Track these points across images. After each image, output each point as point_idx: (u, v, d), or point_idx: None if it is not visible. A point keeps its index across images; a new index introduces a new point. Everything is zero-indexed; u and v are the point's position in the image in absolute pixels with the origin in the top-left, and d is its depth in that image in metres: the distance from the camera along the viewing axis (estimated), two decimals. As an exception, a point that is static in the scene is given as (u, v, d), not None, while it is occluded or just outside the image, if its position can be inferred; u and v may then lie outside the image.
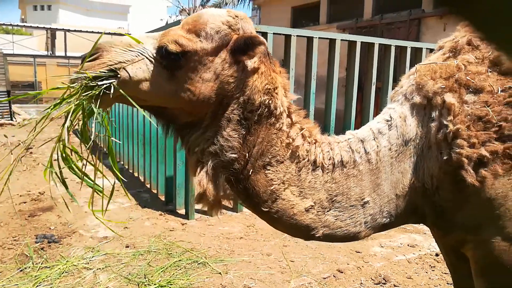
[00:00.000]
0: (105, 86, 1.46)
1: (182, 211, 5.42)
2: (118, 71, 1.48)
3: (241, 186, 1.64)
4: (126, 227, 4.86)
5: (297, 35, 5.21)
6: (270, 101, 1.59)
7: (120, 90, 1.49)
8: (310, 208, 1.67)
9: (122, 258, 3.99)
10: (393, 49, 6.16)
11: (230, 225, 5.05)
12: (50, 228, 4.78)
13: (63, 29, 27.26)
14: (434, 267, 4.02)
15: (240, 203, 1.77)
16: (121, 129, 8.16)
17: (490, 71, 1.65)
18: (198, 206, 5.51)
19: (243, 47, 1.52)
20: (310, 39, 5.41)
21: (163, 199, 5.92)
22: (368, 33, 11.41)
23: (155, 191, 6.31)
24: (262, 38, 1.54)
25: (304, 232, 1.71)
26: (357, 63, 5.87)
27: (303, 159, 1.66)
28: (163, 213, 5.37)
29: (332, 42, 5.67)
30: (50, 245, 4.27)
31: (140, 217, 5.22)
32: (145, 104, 1.63)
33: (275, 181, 1.64)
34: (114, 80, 1.48)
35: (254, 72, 1.57)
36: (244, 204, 1.78)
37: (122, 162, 8.35)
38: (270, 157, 1.63)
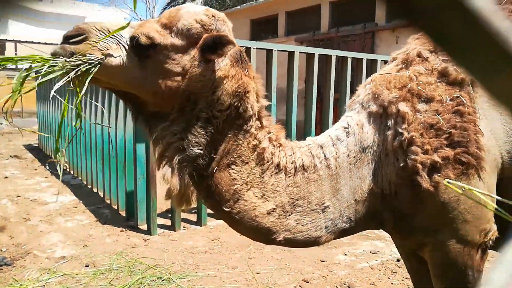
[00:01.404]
0: (92, 70, 1.50)
1: (144, 227, 5.27)
2: (101, 61, 1.51)
3: (204, 183, 1.65)
4: (86, 245, 4.67)
5: (256, 48, 5.28)
6: (240, 104, 1.61)
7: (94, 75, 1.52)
8: (272, 211, 1.68)
9: (82, 279, 3.82)
10: (349, 61, 6.37)
11: (194, 239, 4.97)
12: (1, 250, 4.50)
13: (13, 40, 26.11)
14: (396, 272, 4.14)
15: (201, 201, 1.76)
16: (79, 143, 7.87)
17: (439, 82, 1.75)
18: (160, 221, 5.40)
19: (211, 45, 1.52)
20: (269, 52, 5.49)
21: (124, 215, 5.75)
22: (325, 45, 11.76)
23: (115, 207, 6.11)
24: (231, 38, 1.54)
25: (265, 235, 1.72)
26: (316, 74, 6.02)
27: (267, 162, 1.68)
28: (124, 229, 5.20)
29: (291, 54, 5.79)
30: (1, 268, 4.01)
31: (101, 234, 5.03)
32: (115, 88, 1.65)
33: (238, 181, 1.65)
34: (99, 65, 1.50)
35: (224, 74, 1.58)
36: (206, 204, 1.77)
37: (80, 178, 8.04)
38: (235, 156, 1.65)
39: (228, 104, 1.59)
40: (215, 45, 1.52)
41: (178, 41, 1.55)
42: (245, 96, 1.63)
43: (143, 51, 1.54)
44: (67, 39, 1.53)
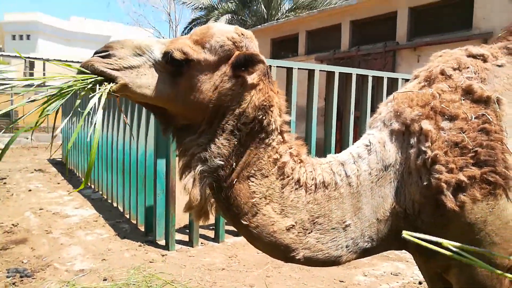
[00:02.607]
0: (110, 87, 1.52)
1: (162, 242, 5.28)
2: (117, 78, 1.54)
3: (223, 194, 1.65)
4: (104, 259, 4.70)
5: (277, 66, 5.32)
6: (264, 117, 1.64)
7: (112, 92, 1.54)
8: (291, 227, 1.66)
9: (99, 292, 3.84)
10: (370, 79, 6.34)
11: (212, 256, 4.95)
12: (23, 262, 4.58)
13: (41, 58, 27.09)
14: (417, 294, 4.01)
15: (220, 214, 1.76)
16: (99, 158, 8.01)
17: (463, 99, 1.72)
18: (178, 237, 5.40)
19: (243, 63, 1.59)
20: (289, 70, 5.53)
21: (143, 230, 5.78)
22: (346, 64, 11.76)
23: (134, 222, 6.16)
24: (262, 57, 1.62)
25: (283, 252, 1.70)
26: (336, 93, 6.01)
27: (288, 177, 1.68)
28: (142, 244, 5.22)
29: (311, 72, 5.81)
30: (22, 280, 4.07)
31: (119, 249, 5.07)
32: (147, 102, 1.67)
33: (257, 194, 1.65)
34: (113, 84, 1.53)
35: (252, 88, 1.63)
36: (225, 216, 1.77)
37: (100, 192, 8.16)
38: (255, 169, 1.65)
39: (253, 117, 1.62)
40: (246, 63, 1.58)
41: (210, 57, 1.60)
42: (269, 109, 1.66)
43: (176, 67, 1.58)
44: (95, 53, 1.58)
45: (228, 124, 1.62)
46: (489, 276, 1.67)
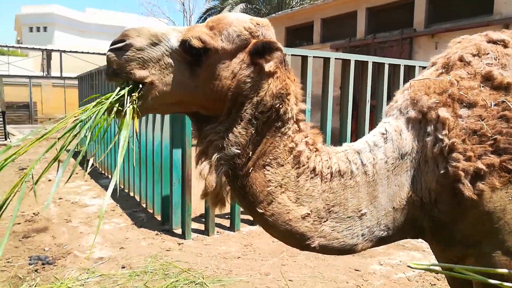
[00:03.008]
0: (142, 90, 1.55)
1: (178, 231, 5.36)
2: (150, 84, 1.56)
3: (239, 183, 1.66)
4: (122, 248, 4.80)
5: (291, 54, 5.28)
6: (281, 106, 1.64)
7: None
8: (307, 216, 1.67)
9: (118, 279, 3.93)
10: (386, 67, 6.24)
11: (227, 244, 5.00)
12: (44, 250, 4.71)
13: (58, 50, 27.45)
14: (435, 285, 3.98)
15: (236, 201, 1.77)
16: (116, 148, 8.12)
17: (482, 86, 1.68)
18: (194, 226, 5.47)
19: (261, 50, 1.59)
20: (304, 58, 5.48)
21: (159, 219, 5.87)
22: (361, 52, 11.59)
23: (151, 211, 6.26)
24: (279, 45, 1.62)
25: (299, 240, 1.70)
26: (351, 81, 5.94)
27: (303, 166, 1.67)
28: (159, 233, 5.31)
29: (326, 61, 5.75)
30: (44, 267, 4.19)
31: (136, 237, 5.16)
32: (164, 102, 1.66)
33: (272, 182, 1.65)
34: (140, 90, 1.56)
35: (270, 76, 1.62)
36: (241, 204, 1.78)
37: (117, 182, 8.29)
38: (271, 158, 1.65)
39: (270, 105, 1.62)
40: (264, 50, 1.59)
41: (228, 45, 1.59)
42: (286, 98, 1.66)
43: (194, 56, 1.57)
44: (113, 45, 1.56)
45: (246, 113, 1.61)
46: (507, 265, 1.64)
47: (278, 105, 1.63)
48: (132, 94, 1.53)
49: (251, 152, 1.63)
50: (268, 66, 1.61)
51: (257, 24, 1.67)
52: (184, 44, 1.56)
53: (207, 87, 1.59)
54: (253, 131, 1.62)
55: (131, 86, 1.55)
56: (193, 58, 1.57)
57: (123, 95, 1.52)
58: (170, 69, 1.57)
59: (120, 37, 1.57)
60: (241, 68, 1.60)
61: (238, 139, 1.61)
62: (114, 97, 1.53)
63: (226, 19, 1.63)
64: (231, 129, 1.62)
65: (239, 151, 1.62)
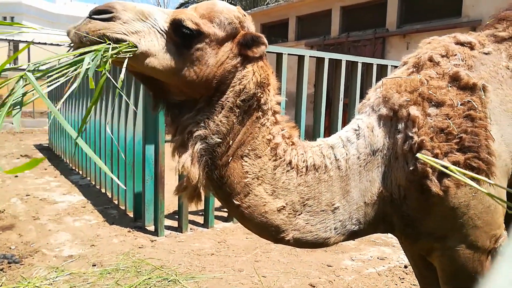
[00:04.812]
0: (127, 54, 1.43)
1: (151, 228, 5.29)
2: (137, 44, 1.47)
3: (217, 173, 1.65)
4: (93, 245, 4.69)
5: (267, 51, 5.29)
6: (262, 95, 1.66)
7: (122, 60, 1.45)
8: (282, 209, 1.68)
9: (89, 278, 3.84)
10: (359, 66, 6.35)
11: (201, 241, 4.98)
12: (10, 248, 4.55)
13: (26, 41, 26.48)
14: (403, 279, 4.10)
15: (212, 193, 1.75)
16: (88, 144, 7.91)
17: (450, 86, 1.74)
18: (167, 223, 5.42)
19: (250, 43, 1.61)
20: (279, 55, 5.51)
21: (132, 216, 5.77)
22: (335, 50, 11.75)
23: (123, 208, 6.15)
24: (266, 40, 1.65)
25: (274, 233, 1.72)
26: (325, 79, 6.01)
27: (280, 158, 1.69)
28: (131, 230, 5.23)
29: (301, 58, 5.79)
30: (10, 266, 4.05)
31: (108, 234, 5.06)
32: (142, 73, 1.61)
33: (249, 174, 1.66)
34: (135, 49, 1.46)
35: (255, 65, 1.65)
36: (216, 196, 1.77)
37: (89, 178, 8.10)
38: (249, 149, 1.66)
39: (253, 93, 1.62)
40: (252, 43, 1.61)
41: (219, 32, 1.58)
42: (267, 88, 1.68)
43: (184, 38, 1.53)
44: (95, 14, 1.46)
45: (228, 101, 1.61)
46: (470, 258, 1.72)
47: (259, 94, 1.65)
48: (112, 51, 1.39)
49: (231, 141, 1.63)
50: (254, 59, 1.65)
51: (244, 15, 1.69)
52: (177, 23, 1.52)
53: (192, 71, 1.56)
54: (234, 120, 1.62)
55: (110, 45, 1.41)
56: (182, 39, 1.54)
57: (112, 53, 1.38)
58: (156, 46, 1.52)
59: (104, 7, 1.48)
60: (228, 57, 1.60)
61: (219, 127, 1.60)
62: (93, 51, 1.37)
63: (216, 7, 1.62)
64: (212, 118, 1.60)
65: (220, 140, 1.61)
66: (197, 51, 1.56)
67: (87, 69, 1.32)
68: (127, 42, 1.45)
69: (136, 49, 1.47)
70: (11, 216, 5.65)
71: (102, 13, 1.47)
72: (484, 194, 1.64)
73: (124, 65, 1.43)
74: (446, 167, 0.97)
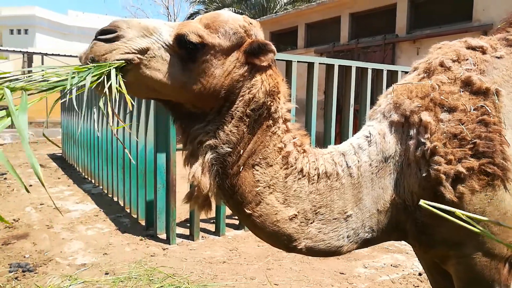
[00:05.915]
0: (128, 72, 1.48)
1: (163, 236, 5.31)
2: (135, 61, 1.49)
3: (228, 183, 1.65)
4: (106, 253, 4.72)
5: (276, 59, 5.30)
6: (272, 104, 1.65)
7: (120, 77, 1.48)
8: (294, 217, 1.67)
9: (102, 286, 3.87)
10: (369, 72, 6.33)
11: (213, 249, 4.97)
12: (24, 257, 4.60)
13: (40, 53, 26.96)
14: (418, 286, 4.03)
15: (223, 202, 1.75)
16: (100, 153, 8.02)
17: (462, 91, 1.72)
18: (179, 231, 5.43)
19: (256, 51, 1.60)
20: (289, 63, 5.51)
21: (144, 224, 5.80)
22: (345, 56, 11.74)
23: (135, 216, 6.18)
24: (273, 47, 1.63)
25: (286, 242, 1.70)
26: (335, 86, 6.00)
27: (291, 166, 1.68)
28: (143, 238, 5.25)
29: (310, 65, 5.79)
30: (24, 274, 4.10)
31: (120, 243, 5.09)
32: (152, 94, 1.63)
33: (261, 183, 1.65)
34: (130, 67, 1.49)
35: (263, 74, 1.64)
36: (228, 205, 1.76)
37: (101, 187, 8.18)
38: (261, 157, 1.65)
39: (262, 102, 1.62)
40: (260, 51, 1.60)
41: (224, 42, 1.58)
42: (277, 95, 1.67)
43: (189, 51, 1.54)
44: (101, 34, 1.51)
45: (237, 111, 1.61)
46: (487, 266, 1.68)
47: (269, 102, 1.64)
48: (115, 72, 1.44)
49: (242, 150, 1.62)
50: (263, 67, 1.64)
51: (250, 23, 1.68)
52: (180, 38, 1.53)
53: (199, 83, 1.57)
54: (245, 129, 1.62)
55: (115, 65, 1.46)
56: (187, 53, 1.55)
57: (104, 71, 1.43)
58: (160, 61, 1.54)
59: (109, 27, 1.52)
60: (235, 67, 1.60)
61: (229, 137, 1.60)
62: (95, 70, 1.42)
63: (221, 17, 1.63)
64: (222, 128, 1.60)
65: (230, 149, 1.61)
66: (203, 63, 1.56)
67: (71, 85, 1.36)
68: (131, 59, 1.49)
69: (138, 64, 1.50)
70: (25, 225, 5.73)
71: (107, 33, 1.51)
72: (500, 200, 1.61)
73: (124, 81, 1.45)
74: (453, 213, 0.97)
